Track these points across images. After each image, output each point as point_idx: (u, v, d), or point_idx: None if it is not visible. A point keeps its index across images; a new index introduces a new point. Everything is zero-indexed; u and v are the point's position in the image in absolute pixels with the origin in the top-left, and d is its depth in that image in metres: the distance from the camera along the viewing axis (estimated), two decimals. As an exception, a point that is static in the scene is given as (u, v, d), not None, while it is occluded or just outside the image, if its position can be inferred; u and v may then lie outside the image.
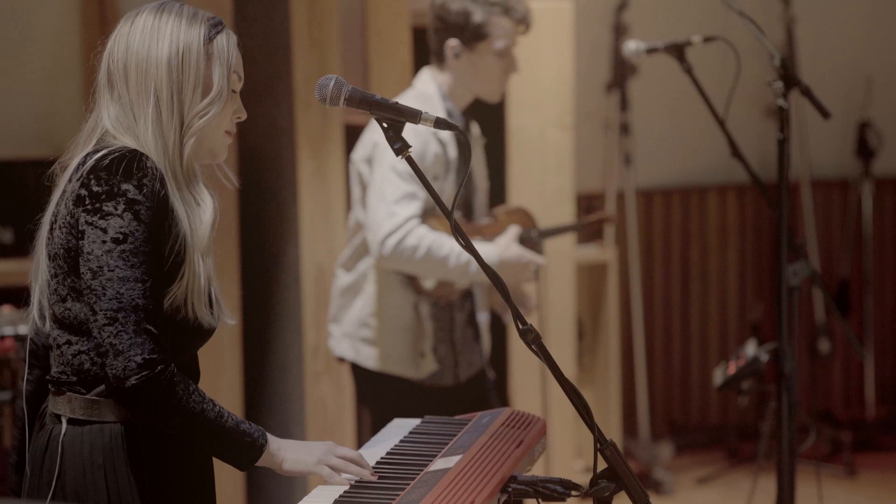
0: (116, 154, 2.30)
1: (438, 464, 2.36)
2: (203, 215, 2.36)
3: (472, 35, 3.73)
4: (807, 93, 3.50)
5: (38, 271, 2.39)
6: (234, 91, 2.42)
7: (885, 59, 6.69)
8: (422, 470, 2.34)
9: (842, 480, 5.88)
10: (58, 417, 2.36)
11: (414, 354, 3.76)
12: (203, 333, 2.40)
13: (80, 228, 2.29)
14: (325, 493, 2.29)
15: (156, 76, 2.34)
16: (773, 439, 4.03)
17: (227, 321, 2.45)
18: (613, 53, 6.00)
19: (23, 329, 4.29)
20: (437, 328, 3.80)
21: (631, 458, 5.96)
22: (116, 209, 2.27)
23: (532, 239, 3.86)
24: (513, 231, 3.78)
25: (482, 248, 3.68)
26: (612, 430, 5.59)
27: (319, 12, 4.53)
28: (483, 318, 3.95)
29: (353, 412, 4.65)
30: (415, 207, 3.64)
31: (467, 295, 3.88)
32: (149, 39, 2.36)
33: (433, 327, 3.79)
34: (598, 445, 2.23)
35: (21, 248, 5.15)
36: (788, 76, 3.47)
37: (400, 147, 2.37)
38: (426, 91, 3.78)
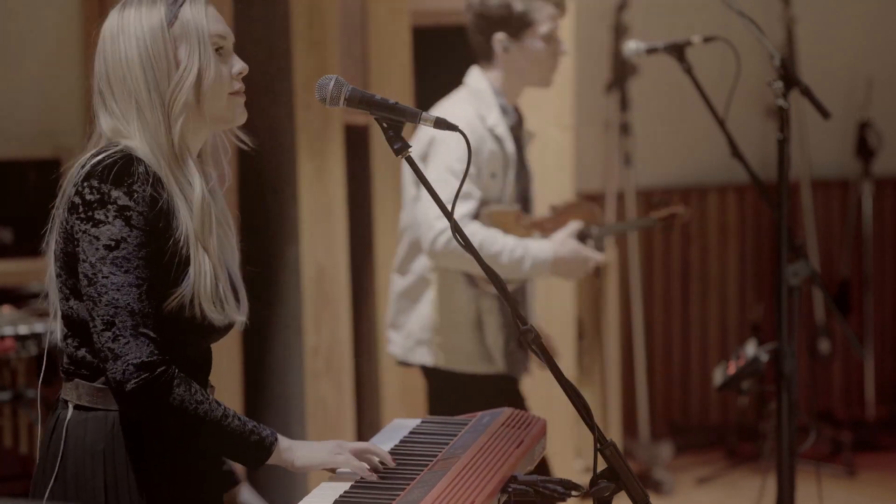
0: (108, 161, 2.33)
1: (439, 464, 2.36)
2: (193, 196, 2.38)
3: (518, 24, 3.71)
4: (807, 93, 3.50)
5: (49, 269, 2.43)
6: (219, 51, 2.42)
7: (885, 59, 6.69)
8: (422, 470, 2.35)
9: (842, 480, 5.88)
10: (66, 403, 2.41)
11: (483, 350, 3.73)
12: (214, 330, 2.41)
13: (75, 236, 2.33)
14: (326, 493, 2.29)
15: (132, 83, 2.38)
16: (774, 439, 4.03)
17: (238, 318, 2.46)
18: (613, 53, 6.00)
19: (23, 329, 4.29)
20: (505, 323, 3.75)
21: (631, 458, 5.96)
22: (107, 217, 2.29)
23: (592, 235, 3.79)
24: (572, 227, 3.73)
25: (537, 243, 3.65)
26: (612, 430, 5.59)
27: (319, 12, 4.53)
28: (532, 314, 3.91)
29: (354, 412, 4.65)
30: (468, 206, 3.61)
31: (522, 290, 3.84)
32: (118, 48, 2.39)
33: (500, 322, 3.74)
34: (598, 445, 2.23)
35: (21, 248, 5.15)
36: (788, 76, 3.47)
37: (400, 147, 2.37)
38: (478, 88, 3.76)
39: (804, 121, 6.35)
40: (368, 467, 2.36)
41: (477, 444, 2.43)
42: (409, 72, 4.71)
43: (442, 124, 2.37)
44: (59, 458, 2.38)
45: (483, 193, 3.68)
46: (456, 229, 2.33)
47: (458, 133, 3.66)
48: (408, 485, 2.27)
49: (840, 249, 6.63)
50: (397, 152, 2.38)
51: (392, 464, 2.37)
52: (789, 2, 6.28)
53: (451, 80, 5.25)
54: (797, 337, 3.52)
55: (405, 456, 2.45)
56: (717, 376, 3.85)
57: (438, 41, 5.24)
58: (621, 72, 6.01)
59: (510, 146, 3.73)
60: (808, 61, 6.40)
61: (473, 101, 3.74)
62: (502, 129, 3.72)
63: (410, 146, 2.38)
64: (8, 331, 4.25)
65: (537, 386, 4.89)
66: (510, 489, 2.29)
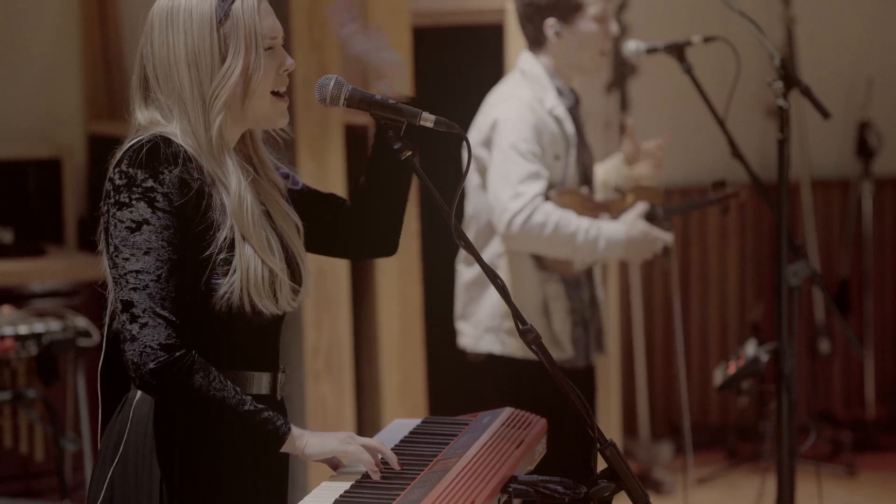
0: (137, 145, 2.32)
1: (439, 464, 2.36)
2: (230, 190, 2.37)
3: (567, 8, 3.73)
4: (807, 93, 3.50)
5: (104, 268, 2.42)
6: (269, 48, 2.40)
7: (885, 59, 6.69)
8: (422, 470, 2.35)
9: (842, 480, 5.88)
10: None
11: (550, 336, 3.72)
12: (266, 319, 2.40)
13: (108, 222, 2.32)
14: (326, 493, 2.29)
15: (177, 80, 2.36)
16: (774, 439, 4.03)
17: (290, 308, 2.44)
18: (613, 53, 6.00)
19: (23, 329, 4.29)
20: (571, 309, 3.77)
21: (631, 458, 5.96)
22: (131, 199, 2.29)
23: (658, 216, 3.80)
24: (639, 208, 3.74)
25: (610, 224, 3.67)
26: (612, 430, 5.59)
27: (319, 12, 4.53)
28: (602, 295, 3.92)
29: (354, 412, 4.65)
30: (539, 186, 3.63)
31: (589, 272, 3.85)
32: (166, 41, 2.36)
33: (567, 307, 3.76)
34: (598, 445, 2.24)
35: (21, 248, 5.15)
36: (788, 76, 3.48)
37: (400, 147, 2.37)
38: (533, 71, 3.77)
39: (804, 121, 6.35)
40: (375, 462, 2.35)
41: (477, 444, 2.43)
42: (408, 72, 4.71)
43: (442, 124, 2.36)
44: (124, 436, 2.38)
45: (549, 174, 3.69)
46: (457, 230, 2.32)
47: (520, 111, 3.71)
48: (408, 485, 2.27)
49: (840, 249, 6.63)
50: (397, 152, 2.37)
51: (398, 466, 2.37)
52: (789, 2, 6.28)
53: (451, 80, 5.26)
54: (797, 337, 3.53)
55: (405, 456, 2.45)
56: (717, 376, 3.85)
57: (438, 41, 5.24)
58: (621, 72, 6.01)
59: (569, 127, 3.75)
60: (808, 61, 6.40)
61: (530, 83, 3.75)
62: (561, 111, 3.74)
63: (410, 147, 2.38)
64: (8, 331, 4.25)
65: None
66: (510, 489, 2.29)
